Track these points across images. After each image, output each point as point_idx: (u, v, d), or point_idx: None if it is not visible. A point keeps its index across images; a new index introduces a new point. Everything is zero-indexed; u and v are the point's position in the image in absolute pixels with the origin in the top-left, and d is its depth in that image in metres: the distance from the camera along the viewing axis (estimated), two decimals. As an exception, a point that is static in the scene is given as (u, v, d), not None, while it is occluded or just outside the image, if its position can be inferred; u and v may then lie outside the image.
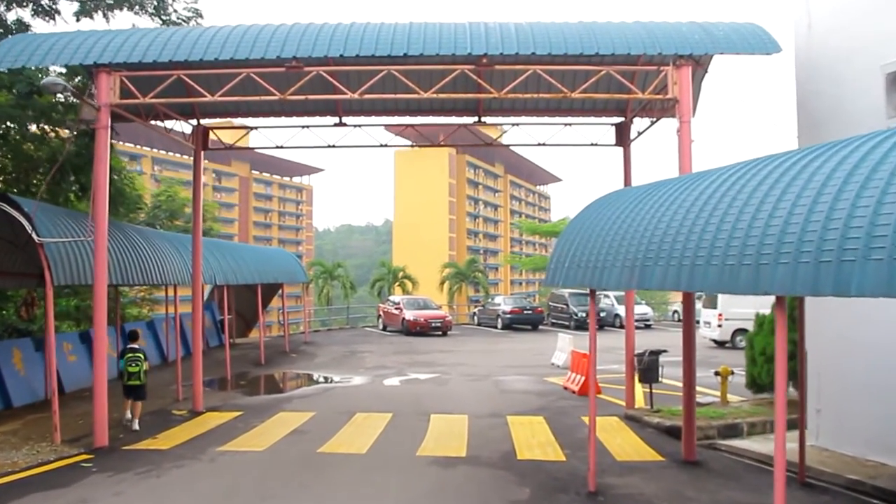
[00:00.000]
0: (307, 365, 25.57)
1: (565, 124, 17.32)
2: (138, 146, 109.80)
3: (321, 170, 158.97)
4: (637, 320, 42.05)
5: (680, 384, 18.51)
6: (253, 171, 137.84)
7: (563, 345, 24.31)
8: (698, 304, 42.41)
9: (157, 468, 11.20)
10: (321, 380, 22.15)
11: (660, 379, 16.19)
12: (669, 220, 8.64)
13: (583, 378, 18.67)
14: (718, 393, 16.30)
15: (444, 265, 63.36)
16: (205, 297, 33.12)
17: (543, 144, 17.38)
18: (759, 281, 6.80)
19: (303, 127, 17.53)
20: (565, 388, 19.29)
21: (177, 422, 15.45)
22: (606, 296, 43.99)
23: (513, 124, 17.41)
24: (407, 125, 17.43)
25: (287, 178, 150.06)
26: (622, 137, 17.00)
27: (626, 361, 16.59)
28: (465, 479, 10.80)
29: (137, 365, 14.56)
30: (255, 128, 17.77)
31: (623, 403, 16.70)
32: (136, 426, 14.45)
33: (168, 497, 9.80)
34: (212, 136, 17.81)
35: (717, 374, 16.25)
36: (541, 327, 40.44)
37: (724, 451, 12.88)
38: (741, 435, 13.97)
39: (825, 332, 12.16)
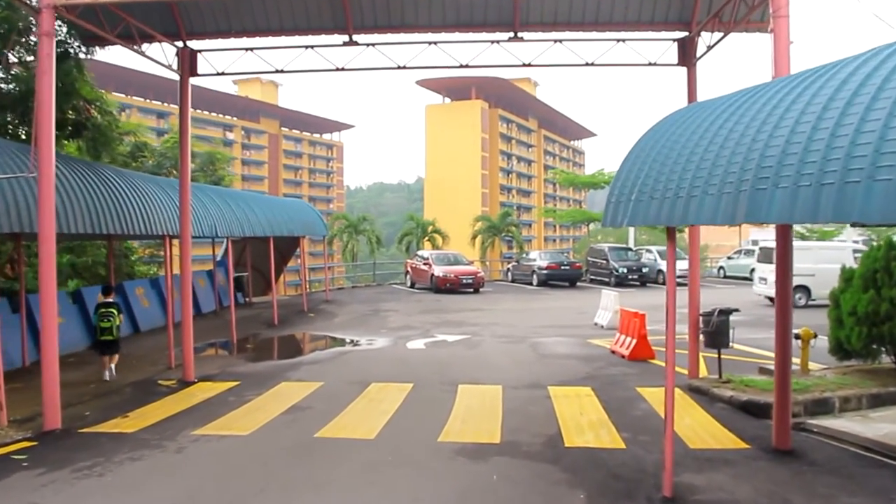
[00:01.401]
0: (324, 325, 23.25)
1: (617, 40, 14.45)
2: (165, 104, 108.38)
3: (352, 126, 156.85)
4: (680, 276, 39.32)
5: (748, 349, 16.13)
6: (282, 129, 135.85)
7: (608, 303, 21.78)
8: (750, 260, 39.68)
9: (106, 462, 8.81)
10: (336, 342, 19.80)
11: (731, 343, 13.56)
12: (794, 125, 5.99)
13: (634, 341, 16.21)
14: (797, 360, 13.74)
15: (476, 218, 60.47)
16: (220, 254, 31.34)
17: (591, 64, 14.52)
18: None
19: (306, 47, 14.85)
20: (613, 353, 16.79)
21: (160, 394, 13.20)
22: (649, 250, 41.56)
23: (555, 41, 14.55)
24: (429, 42, 14.61)
25: (317, 135, 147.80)
26: (686, 55, 14.11)
27: (689, 322, 13.96)
28: (500, 476, 8.31)
29: (110, 320, 14.41)
30: (252, 49, 15.04)
31: (684, 372, 14.19)
32: (111, 375, 14.51)
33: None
34: (201, 61, 15.17)
35: (797, 337, 13.60)
36: (579, 284, 37.88)
37: (817, 434, 10.35)
38: (832, 412, 11.48)
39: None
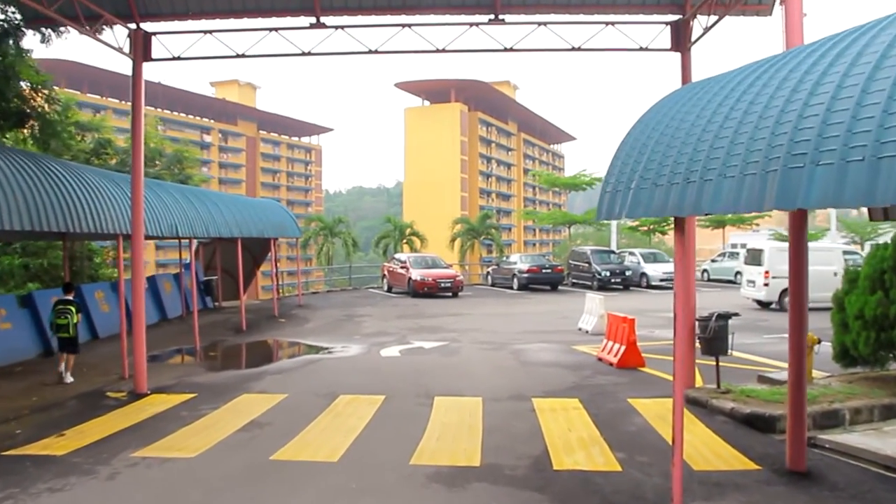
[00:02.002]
0: (295, 332, 22.03)
1: (606, 23, 13.39)
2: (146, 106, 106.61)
3: (330, 129, 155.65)
4: (662, 280, 38.63)
5: (742, 355, 15.05)
6: (260, 131, 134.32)
7: (592, 307, 20.73)
8: (734, 262, 38.85)
9: (21, 493, 7.54)
10: (306, 350, 18.61)
11: (730, 351, 12.54)
12: (836, 91, 4.96)
13: (623, 347, 15.17)
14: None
15: (455, 220, 59.28)
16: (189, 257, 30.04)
17: (578, 49, 13.45)
18: None
19: (270, 30, 13.65)
20: (600, 360, 15.74)
21: (106, 408, 11.97)
22: (632, 253, 40.65)
23: (538, 24, 13.47)
24: (403, 25, 13.49)
25: (295, 139, 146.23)
26: (679, 39, 13.08)
27: (684, 327, 12.90)
28: (480, 509, 7.21)
29: (66, 317, 13.98)
30: (210, 32, 13.79)
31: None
32: (69, 379, 13.95)
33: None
34: (157, 45, 13.91)
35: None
36: (560, 288, 36.82)
37: (830, 451, 9.37)
38: (843, 424, 10.56)
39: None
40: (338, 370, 15.31)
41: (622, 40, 13.45)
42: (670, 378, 13.61)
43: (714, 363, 12.31)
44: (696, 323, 12.69)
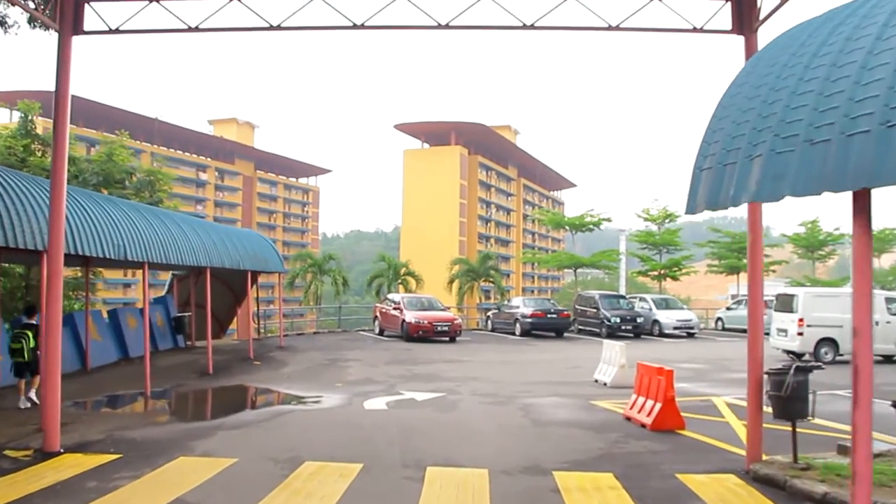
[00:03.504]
0: (268, 377, 19.09)
1: (650, -2, 10.74)
2: (138, 141, 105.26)
3: (329, 171, 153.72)
4: (676, 328, 35.86)
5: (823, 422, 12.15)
6: (258, 171, 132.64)
7: (611, 355, 17.97)
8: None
9: None
10: (276, 399, 15.74)
11: (812, 415, 9.70)
12: None
13: (658, 405, 12.42)
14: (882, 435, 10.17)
15: (454, 261, 56.36)
16: (165, 291, 27.40)
17: (616, 28, 10.71)
18: None
19: (231, -1, 11.04)
20: (629, 419, 12.95)
21: (-5, 474, 9.08)
22: (643, 298, 37.89)
23: (566, -6, 10.84)
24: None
25: (293, 179, 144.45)
26: (742, 20, 10.39)
27: (749, 382, 10.08)
28: None
29: (21, 341, 13.59)
30: None
31: (735, 450, 10.42)
32: (28, 403, 13.49)
33: None
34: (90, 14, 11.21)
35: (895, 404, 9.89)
36: (566, 334, 33.94)
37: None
38: (979, 520, 7.80)
39: None
40: (309, 426, 12.43)
41: (670, 19, 10.78)
42: (721, 445, 10.83)
43: (790, 429, 9.52)
44: (767, 377, 9.90)
